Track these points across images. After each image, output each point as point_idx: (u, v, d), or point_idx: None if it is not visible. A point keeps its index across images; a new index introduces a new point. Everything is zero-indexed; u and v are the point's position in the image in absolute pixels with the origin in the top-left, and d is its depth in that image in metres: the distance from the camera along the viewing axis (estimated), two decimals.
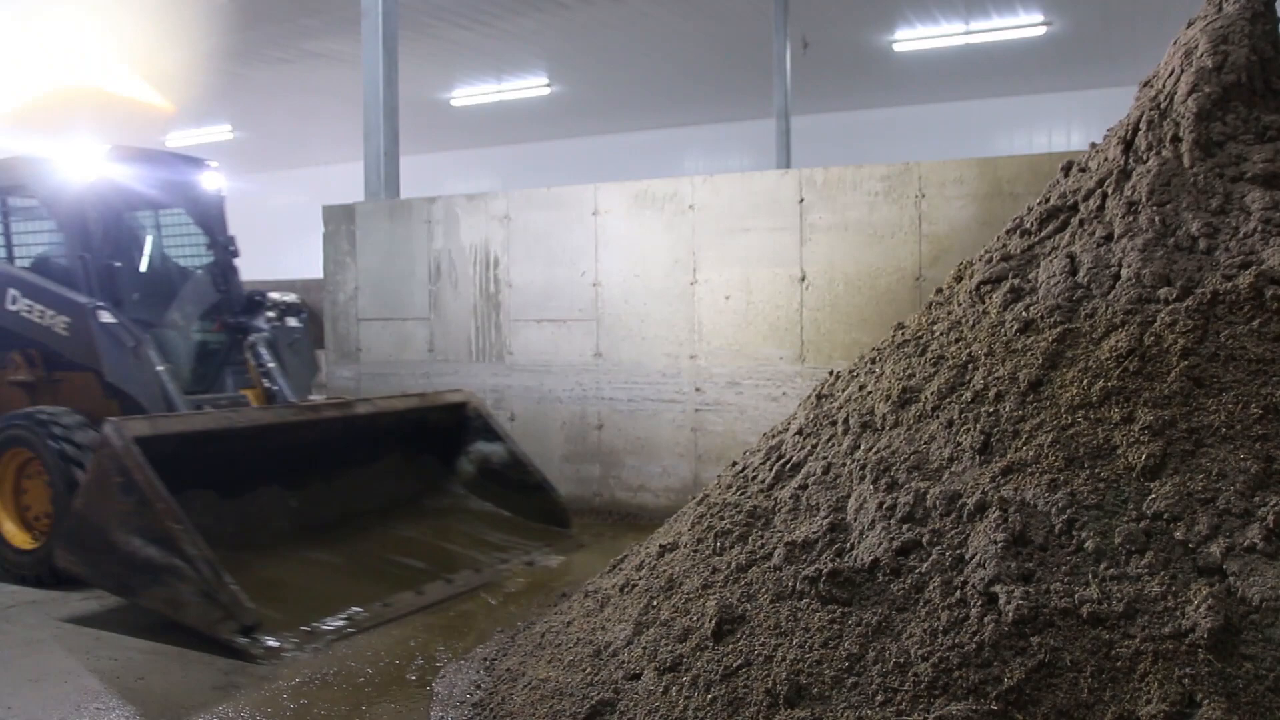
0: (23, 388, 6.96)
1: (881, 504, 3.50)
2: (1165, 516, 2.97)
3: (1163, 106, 4.08)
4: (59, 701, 4.31)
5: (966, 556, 3.14)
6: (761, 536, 3.82)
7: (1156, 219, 3.79)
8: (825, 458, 4.04)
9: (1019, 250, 4.28)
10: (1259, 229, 3.58)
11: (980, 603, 2.98)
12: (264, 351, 7.62)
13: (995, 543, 3.09)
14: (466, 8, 14.41)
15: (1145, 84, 4.32)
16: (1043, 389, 3.53)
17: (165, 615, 5.14)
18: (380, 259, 9.32)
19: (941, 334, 4.18)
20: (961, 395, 3.73)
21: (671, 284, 8.05)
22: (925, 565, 3.20)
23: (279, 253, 21.07)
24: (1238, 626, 2.67)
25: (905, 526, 3.37)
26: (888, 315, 7.30)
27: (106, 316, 6.49)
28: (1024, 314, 3.86)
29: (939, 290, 4.74)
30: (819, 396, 4.60)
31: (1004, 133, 19.73)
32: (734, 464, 4.71)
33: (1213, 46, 3.99)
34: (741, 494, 4.23)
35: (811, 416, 4.42)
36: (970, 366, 3.82)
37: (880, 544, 3.34)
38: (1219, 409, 3.16)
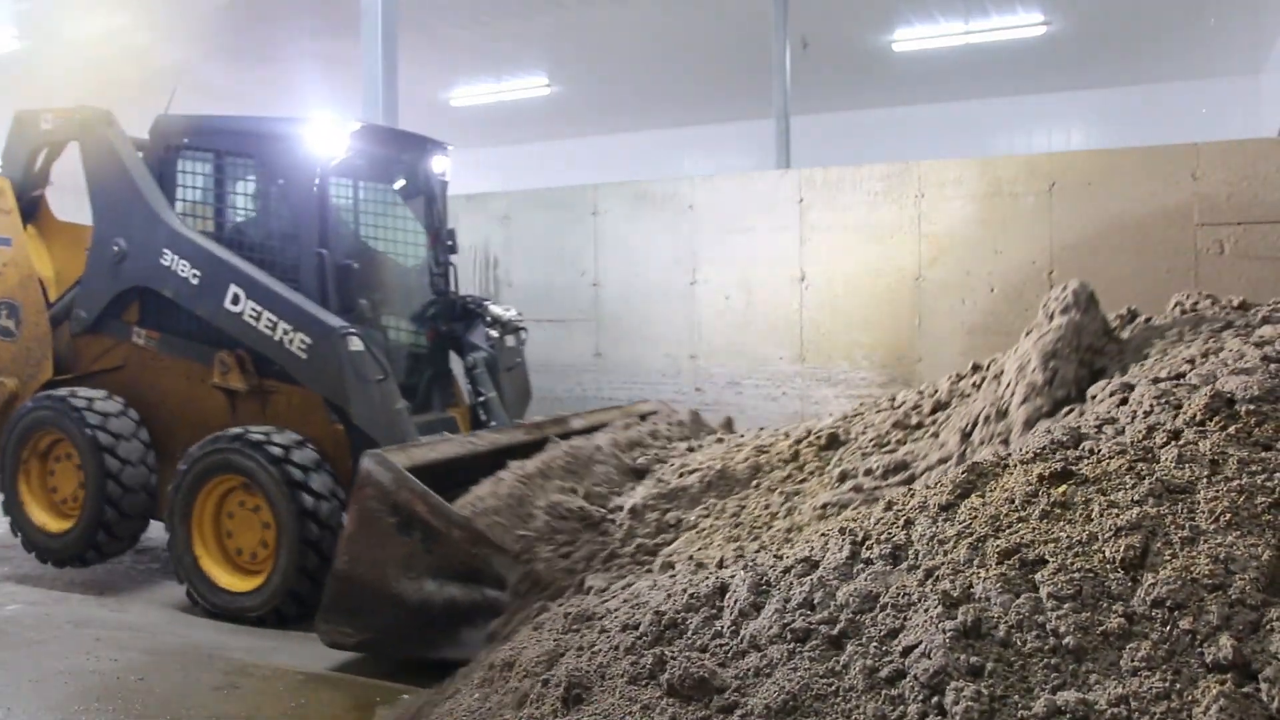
0: (225, 394, 6.03)
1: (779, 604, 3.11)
2: (1168, 604, 2.63)
3: (1001, 408, 4.16)
4: (59, 702, 4.31)
5: (904, 644, 2.76)
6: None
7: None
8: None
9: (864, 488, 4.21)
10: (1157, 405, 3.48)
11: (921, 698, 2.58)
12: (483, 376, 6.62)
13: (943, 632, 2.70)
14: (466, 8, 14.42)
15: (995, 376, 4.44)
16: (955, 510, 3.21)
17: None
18: None
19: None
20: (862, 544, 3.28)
21: (671, 284, 8.05)
22: (844, 656, 2.82)
23: None
24: None
25: (802, 612, 3.01)
26: (887, 315, 7.31)
27: (356, 344, 5.57)
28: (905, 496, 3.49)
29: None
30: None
31: (1003, 133, 19.71)
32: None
33: (1043, 363, 4.08)
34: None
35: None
36: (864, 538, 3.35)
37: (771, 626, 3.01)
38: (1219, 498, 2.88)
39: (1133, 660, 2.54)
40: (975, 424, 4.23)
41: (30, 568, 6.54)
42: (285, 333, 5.62)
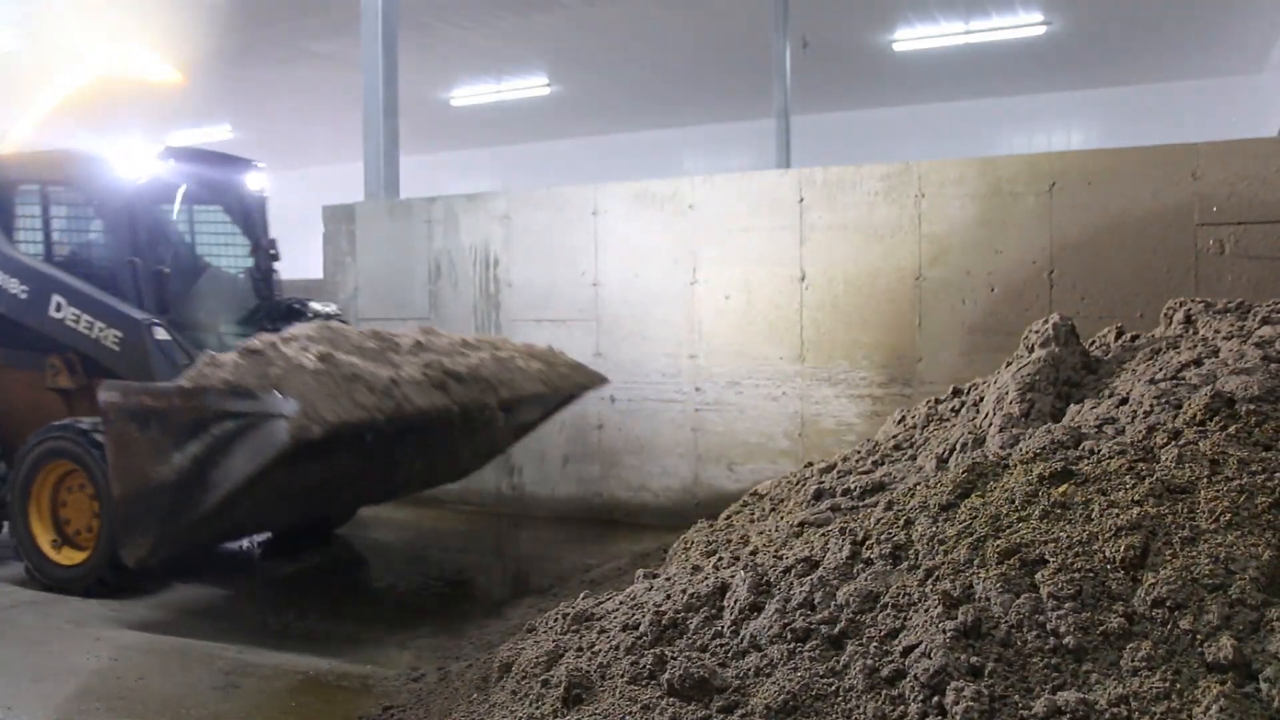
0: (61, 394, 6.70)
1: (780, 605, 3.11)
2: (1168, 604, 2.63)
3: (979, 437, 4.17)
4: (59, 701, 4.31)
5: (905, 644, 2.77)
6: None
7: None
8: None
9: (842, 508, 4.19)
10: (1157, 405, 3.49)
11: (921, 698, 2.58)
12: None
13: (944, 632, 2.71)
14: (466, 8, 14.41)
15: (974, 404, 4.44)
16: (956, 510, 3.21)
17: (250, 480, 4.89)
18: (380, 259, 9.31)
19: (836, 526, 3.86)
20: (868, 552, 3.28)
21: (671, 284, 8.04)
22: (844, 656, 2.83)
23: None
24: None
25: (802, 612, 3.00)
26: (887, 315, 7.31)
27: (161, 334, 6.26)
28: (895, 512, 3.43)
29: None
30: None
31: (1004, 133, 19.71)
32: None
33: (1020, 395, 4.11)
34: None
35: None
36: (864, 538, 3.38)
37: (772, 626, 3.02)
38: (1219, 498, 2.89)
39: (1133, 660, 2.54)
40: (952, 450, 4.25)
41: None
42: (100, 330, 6.31)
